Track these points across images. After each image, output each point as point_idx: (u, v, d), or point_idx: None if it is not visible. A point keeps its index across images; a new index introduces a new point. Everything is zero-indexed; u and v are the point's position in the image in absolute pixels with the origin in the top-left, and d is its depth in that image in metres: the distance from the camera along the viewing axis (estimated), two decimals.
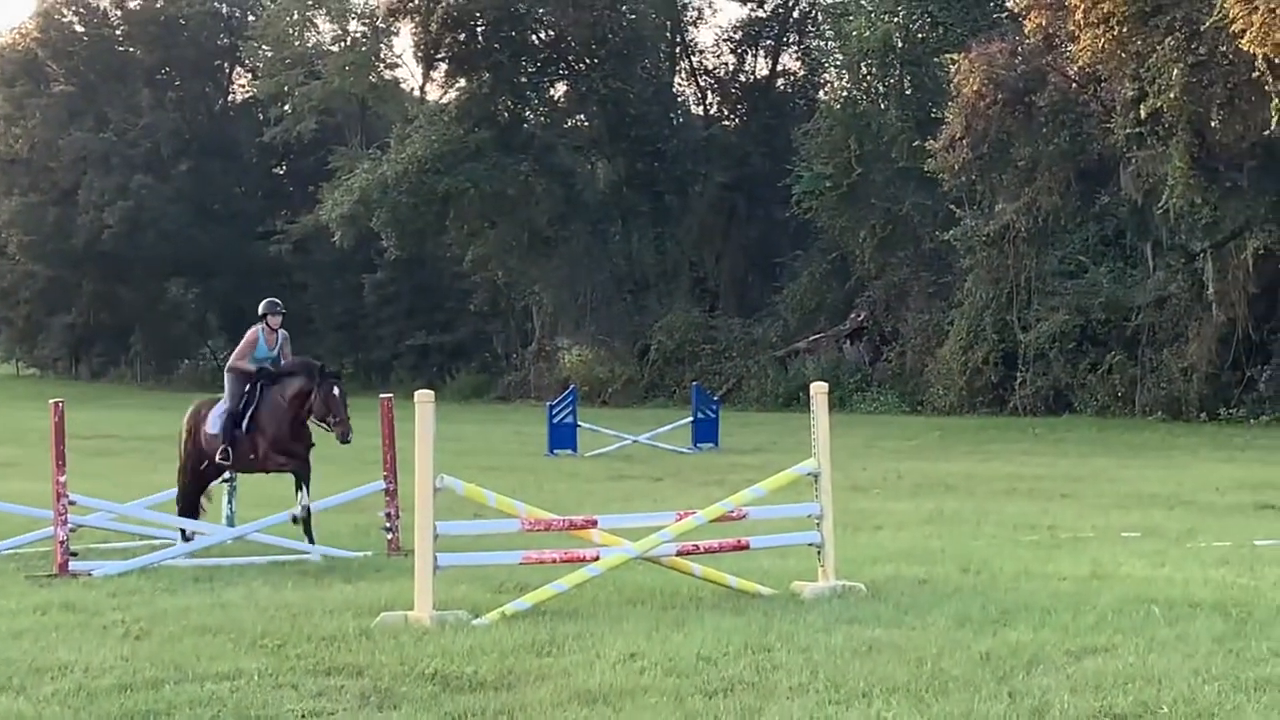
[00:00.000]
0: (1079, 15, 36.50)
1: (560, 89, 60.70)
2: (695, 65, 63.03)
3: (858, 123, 49.43)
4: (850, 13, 51.56)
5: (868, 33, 48.95)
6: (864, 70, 50.91)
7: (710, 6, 71.54)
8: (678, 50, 62.42)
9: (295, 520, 13.90)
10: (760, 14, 60.90)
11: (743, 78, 62.57)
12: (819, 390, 11.26)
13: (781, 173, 50.75)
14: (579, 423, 29.61)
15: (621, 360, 53.63)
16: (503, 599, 11.00)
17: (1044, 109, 40.95)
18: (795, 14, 61.25)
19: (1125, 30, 36.39)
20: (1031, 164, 41.74)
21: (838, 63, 55.96)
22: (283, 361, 14.51)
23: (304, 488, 14.08)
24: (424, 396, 10.44)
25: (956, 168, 41.23)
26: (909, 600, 11.33)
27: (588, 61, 57.99)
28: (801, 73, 62.12)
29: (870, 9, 49.84)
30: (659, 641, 9.58)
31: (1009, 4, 43.56)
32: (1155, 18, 36.01)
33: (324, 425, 14.04)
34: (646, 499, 20.34)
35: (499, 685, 8.49)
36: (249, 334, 14.48)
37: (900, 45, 48.39)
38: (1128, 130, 38.05)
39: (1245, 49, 33.56)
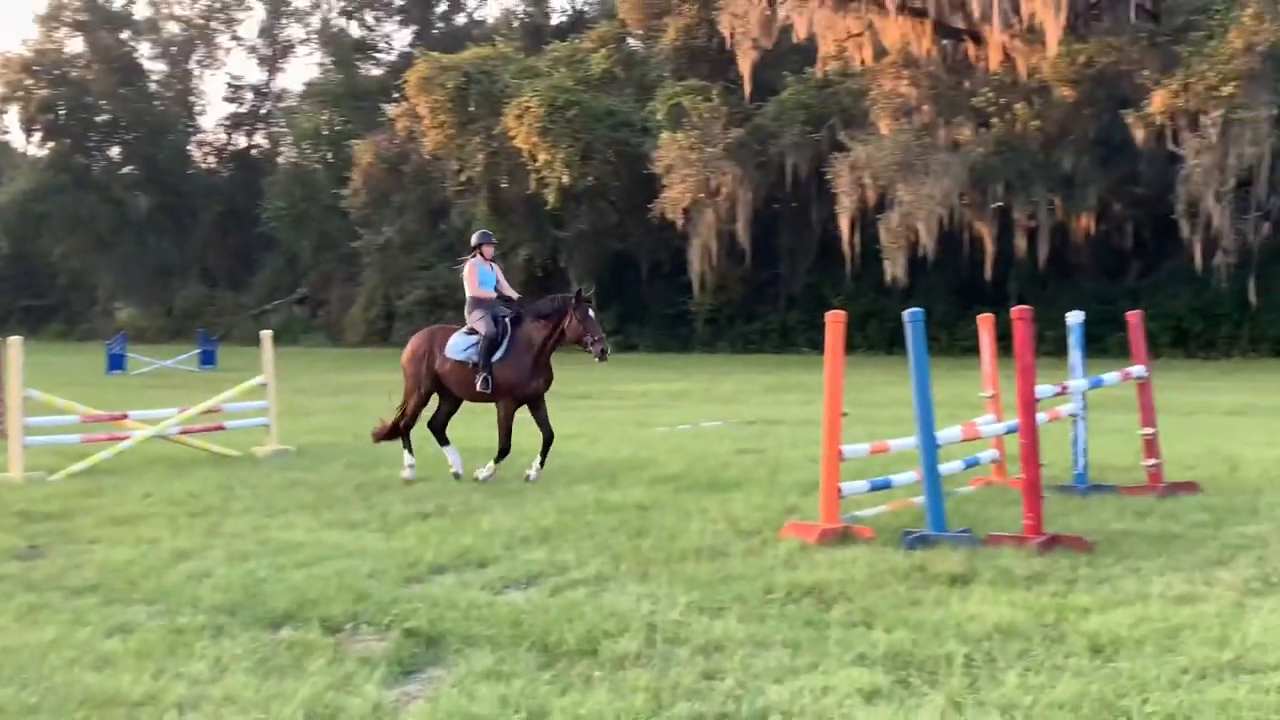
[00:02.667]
0: (426, 122, 44.88)
1: (115, 150, 65.98)
2: (201, 139, 69.28)
3: (301, 178, 56.94)
4: (295, 112, 59.54)
5: (306, 124, 57.42)
6: (305, 147, 58.73)
7: (209, 102, 78.70)
8: (190, 128, 68.45)
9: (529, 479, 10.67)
10: (241, 110, 68.11)
11: (231, 147, 69.16)
12: None
13: (257, 207, 56.97)
14: None
15: None
16: (68, 463, 11.46)
17: (409, 173, 49.00)
18: (263, 110, 68.06)
19: (453, 131, 44.79)
20: (402, 206, 49.89)
21: (289, 141, 62.71)
22: (502, 288, 11.41)
23: (546, 442, 10.90)
24: None
25: (359, 206, 49.43)
26: (320, 454, 12.51)
27: (133, 134, 64.09)
28: (267, 145, 68.30)
29: (309, 110, 58.15)
30: (167, 485, 10.18)
31: (389, 111, 51.08)
32: (468, 125, 44.40)
33: (583, 346, 10.97)
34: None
35: (60, 515, 8.88)
36: (470, 266, 11.33)
37: (325, 133, 56.54)
38: (455, 188, 46.20)
39: (518, 146, 41.77)
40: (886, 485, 8.52)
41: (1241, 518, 8.22)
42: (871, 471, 9.06)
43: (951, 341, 35.53)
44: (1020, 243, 36.52)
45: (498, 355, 10.95)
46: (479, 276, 11.29)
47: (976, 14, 35.45)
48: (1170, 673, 4.81)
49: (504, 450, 10.83)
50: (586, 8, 56.89)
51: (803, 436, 13.28)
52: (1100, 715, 4.35)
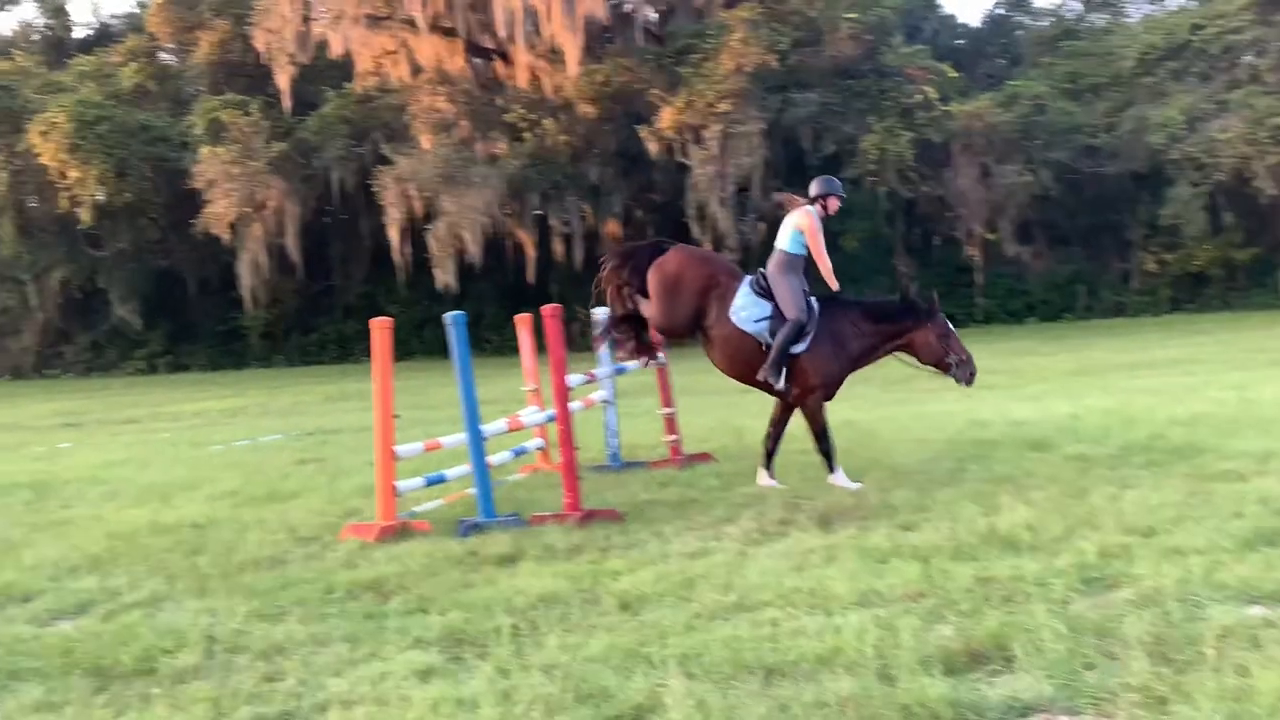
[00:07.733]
0: None
1: None
2: None
3: None
4: None
5: None
6: None
7: None
8: None
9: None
10: None
11: None
12: None
13: None
14: None
15: None
16: None
17: None
18: None
19: None
20: None
21: None
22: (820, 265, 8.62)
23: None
24: None
25: None
26: None
27: None
28: None
29: None
30: None
31: None
32: None
33: (942, 368, 8.65)
34: None
35: None
36: (813, 219, 8.64)
37: None
38: None
39: (45, 163, 38.39)
40: (441, 480, 8.67)
41: (746, 480, 8.94)
42: (428, 468, 9.14)
43: (503, 342, 36.25)
44: (558, 247, 38.05)
45: (803, 344, 8.47)
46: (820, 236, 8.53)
47: (503, 34, 36.75)
48: (686, 618, 5.24)
49: (828, 447, 8.54)
50: (113, 21, 53.36)
51: (363, 443, 12.96)
52: (628, 662, 4.67)
